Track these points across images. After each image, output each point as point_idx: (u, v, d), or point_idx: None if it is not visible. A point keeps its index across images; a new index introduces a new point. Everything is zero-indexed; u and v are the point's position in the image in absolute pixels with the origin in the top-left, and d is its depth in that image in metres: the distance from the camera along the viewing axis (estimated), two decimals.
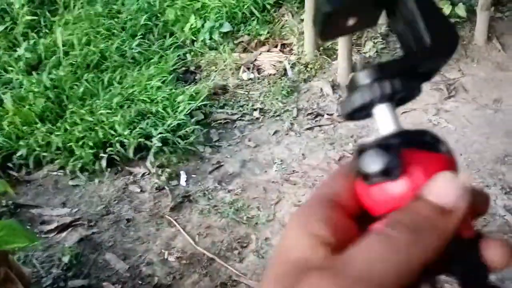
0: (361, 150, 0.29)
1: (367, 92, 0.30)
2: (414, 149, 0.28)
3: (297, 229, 0.28)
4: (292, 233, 0.28)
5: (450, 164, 0.29)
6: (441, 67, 0.32)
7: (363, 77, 0.31)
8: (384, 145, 0.28)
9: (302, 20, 2.64)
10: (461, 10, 2.47)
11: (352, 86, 0.31)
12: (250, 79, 2.43)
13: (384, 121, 0.31)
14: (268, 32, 2.67)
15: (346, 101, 0.31)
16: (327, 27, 0.32)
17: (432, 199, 0.27)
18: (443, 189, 0.27)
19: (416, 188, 0.28)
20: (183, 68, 2.51)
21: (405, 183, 0.28)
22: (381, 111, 0.31)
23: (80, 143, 1.96)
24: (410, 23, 0.31)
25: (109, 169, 1.94)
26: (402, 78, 0.30)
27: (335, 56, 2.42)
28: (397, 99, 0.32)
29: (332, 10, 0.30)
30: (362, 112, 0.32)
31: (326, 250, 0.27)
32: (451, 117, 2.14)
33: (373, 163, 0.28)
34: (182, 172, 1.92)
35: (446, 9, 2.46)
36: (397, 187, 0.28)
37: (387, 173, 0.27)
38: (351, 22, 0.32)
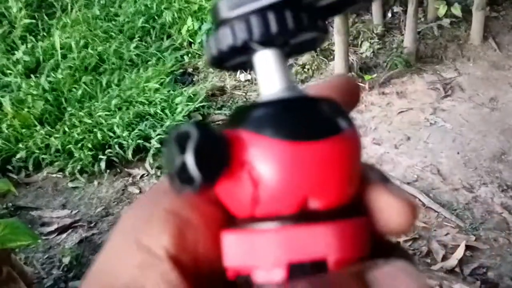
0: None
1: (240, 28, 0.21)
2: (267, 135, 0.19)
3: (126, 240, 0.21)
4: (119, 246, 0.21)
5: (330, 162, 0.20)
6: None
7: (235, 4, 0.21)
8: (183, 134, 0.19)
9: None
10: (456, 10, 2.48)
11: (219, 16, 0.22)
12: (248, 80, 2.44)
13: (266, 77, 0.22)
14: None
15: (211, 40, 0.22)
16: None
17: None
18: None
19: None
20: (181, 70, 2.51)
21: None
22: (263, 61, 0.22)
23: (79, 145, 1.97)
24: None
25: (108, 171, 1.95)
26: (296, 10, 0.21)
27: (332, 57, 2.43)
28: (292, 45, 0.23)
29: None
30: (235, 59, 0.23)
31: (174, 274, 0.20)
32: (447, 116, 2.15)
33: (167, 162, 0.19)
34: None
35: (442, 9, 2.47)
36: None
37: (187, 180, 0.18)
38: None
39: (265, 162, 0.19)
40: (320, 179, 0.20)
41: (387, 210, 0.21)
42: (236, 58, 0.22)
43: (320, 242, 0.19)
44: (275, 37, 0.20)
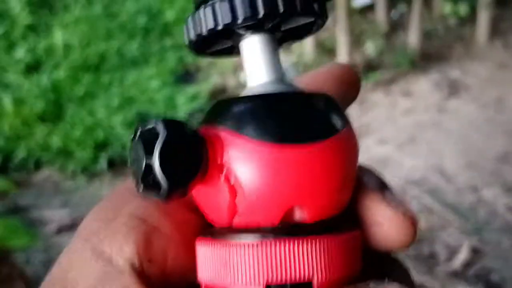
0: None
1: (223, 9, 0.18)
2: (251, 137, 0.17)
3: (84, 248, 0.19)
4: (78, 254, 0.19)
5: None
6: None
7: None
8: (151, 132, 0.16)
9: None
10: (463, 9, 2.46)
11: None
12: None
13: (252, 66, 0.19)
14: None
15: (189, 23, 0.19)
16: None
17: None
18: None
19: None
20: (183, 69, 2.51)
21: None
22: (249, 48, 0.19)
23: (80, 144, 1.96)
24: None
25: (109, 170, 1.94)
26: None
27: (335, 56, 2.41)
28: (284, 30, 0.20)
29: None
30: (218, 44, 0.20)
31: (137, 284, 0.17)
32: (452, 116, 2.13)
33: (132, 161, 0.17)
34: None
35: (448, 8, 2.45)
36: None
37: (153, 186, 0.16)
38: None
39: (245, 166, 0.17)
40: (307, 188, 0.17)
41: (385, 225, 0.19)
42: (219, 44, 0.20)
43: (305, 260, 0.17)
44: (263, 21, 0.18)
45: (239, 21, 0.18)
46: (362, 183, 0.20)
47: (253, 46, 0.19)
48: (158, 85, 2.24)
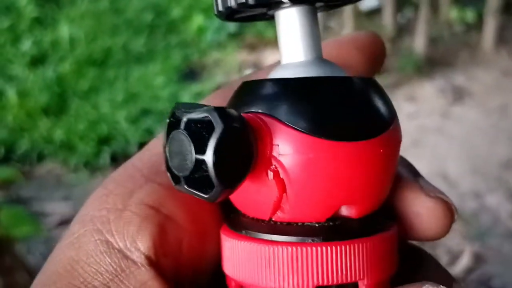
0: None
1: None
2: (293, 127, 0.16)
3: (92, 238, 0.17)
4: (86, 244, 0.17)
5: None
6: None
7: None
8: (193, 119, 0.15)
9: None
10: (469, 15, 2.47)
11: None
12: None
13: (290, 42, 0.17)
14: (273, 33, 2.67)
15: None
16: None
17: None
18: None
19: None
20: (188, 67, 2.50)
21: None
22: (289, 20, 0.17)
23: (84, 138, 1.96)
24: None
25: (112, 165, 1.93)
26: None
27: None
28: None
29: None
30: (253, 11, 0.18)
31: (156, 285, 0.16)
32: (456, 121, 2.13)
33: (172, 158, 0.15)
34: None
35: (454, 14, 2.45)
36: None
37: (201, 184, 0.14)
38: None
39: (297, 162, 0.16)
40: (359, 187, 0.16)
41: (425, 215, 0.18)
42: (252, 11, 0.18)
43: (355, 262, 0.16)
44: None
45: None
46: (397, 174, 0.19)
47: (291, 18, 0.17)
48: (162, 82, 2.24)
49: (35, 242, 1.67)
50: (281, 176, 0.16)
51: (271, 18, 0.18)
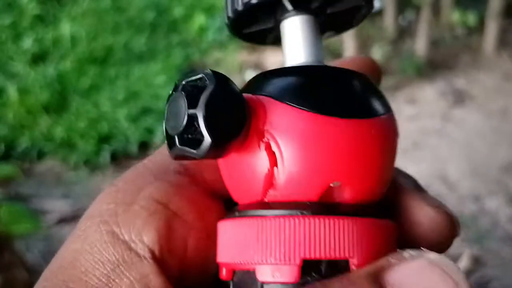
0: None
1: None
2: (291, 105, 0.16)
3: (99, 230, 0.17)
4: (91, 236, 0.17)
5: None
6: None
7: None
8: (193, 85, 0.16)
9: None
10: (471, 18, 2.47)
11: None
12: None
13: (293, 47, 0.18)
14: None
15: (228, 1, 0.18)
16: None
17: None
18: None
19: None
20: (189, 67, 2.50)
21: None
22: (292, 28, 0.18)
23: (84, 136, 1.96)
24: None
25: (112, 163, 1.93)
26: None
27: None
28: (329, 15, 0.19)
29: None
30: (258, 24, 0.19)
31: (159, 280, 0.16)
32: (457, 124, 2.13)
33: (169, 117, 0.16)
34: None
35: (456, 17, 2.45)
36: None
37: (192, 141, 0.15)
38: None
39: (289, 134, 0.16)
40: (350, 165, 0.16)
41: (426, 224, 0.18)
42: (258, 23, 0.19)
43: (345, 238, 0.16)
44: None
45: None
46: (399, 183, 0.19)
47: (295, 25, 0.18)
48: (163, 81, 2.24)
49: (34, 239, 1.68)
50: (273, 149, 0.16)
51: (274, 41, 0.19)
